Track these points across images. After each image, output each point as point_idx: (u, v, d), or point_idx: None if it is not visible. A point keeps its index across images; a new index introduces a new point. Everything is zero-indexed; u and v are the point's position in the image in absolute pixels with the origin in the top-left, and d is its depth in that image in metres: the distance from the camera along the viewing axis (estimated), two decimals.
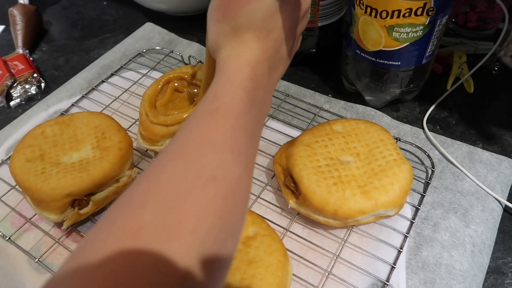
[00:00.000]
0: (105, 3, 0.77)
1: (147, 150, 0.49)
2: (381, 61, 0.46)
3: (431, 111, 0.52)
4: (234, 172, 0.23)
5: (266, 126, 0.51)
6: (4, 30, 0.71)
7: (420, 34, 0.43)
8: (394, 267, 0.38)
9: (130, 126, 0.52)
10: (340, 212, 0.37)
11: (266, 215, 0.42)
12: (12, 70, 0.60)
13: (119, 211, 0.20)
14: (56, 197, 0.39)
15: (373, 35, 0.44)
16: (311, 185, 0.39)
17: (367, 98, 0.52)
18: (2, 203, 0.45)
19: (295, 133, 0.49)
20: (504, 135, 0.49)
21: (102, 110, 0.54)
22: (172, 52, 0.62)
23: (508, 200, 0.43)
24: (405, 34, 0.43)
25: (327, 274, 0.38)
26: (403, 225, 0.41)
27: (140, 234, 0.19)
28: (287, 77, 0.58)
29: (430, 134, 0.49)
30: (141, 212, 0.20)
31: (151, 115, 0.46)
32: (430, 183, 0.44)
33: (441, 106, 0.53)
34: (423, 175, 0.45)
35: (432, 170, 0.45)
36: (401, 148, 0.46)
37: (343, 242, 0.40)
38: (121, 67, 0.60)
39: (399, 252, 0.39)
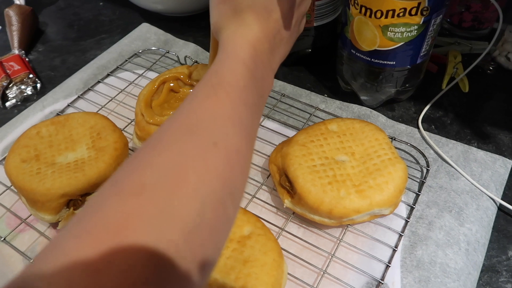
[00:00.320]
0: (101, 3, 0.77)
1: None
2: (376, 60, 0.46)
3: (426, 111, 0.52)
4: (234, 140, 0.24)
5: (261, 126, 0.51)
6: (0, 31, 0.71)
7: (415, 33, 0.43)
8: (389, 266, 0.38)
9: (126, 126, 0.52)
10: (335, 211, 0.38)
11: (261, 215, 0.42)
12: (8, 71, 0.60)
13: (123, 172, 0.21)
14: (51, 198, 0.39)
15: (368, 35, 0.44)
16: (306, 184, 0.39)
17: (363, 98, 0.53)
18: None
19: (290, 132, 0.50)
20: (498, 134, 0.50)
21: (98, 111, 0.54)
22: (168, 52, 0.62)
23: (502, 198, 0.43)
24: (399, 33, 0.43)
25: (322, 273, 0.38)
26: (398, 224, 0.41)
27: (144, 190, 0.20)
28: (282, 77, 0.58)
29: (425, 133, 0.49)
30: (144, 173, 0.21)
31: (147, 115, 0.46)
32: (425, 182, 0.44)
33: (436, 105, 0.53)
34: (418, 174, 0.45)
35: (427, 169, 0.45)
36: (396, 148, 0.46)
37: (338, 241, 0.40)
38: (117, 67, 0.60)
39: (394, 251, 0.39)
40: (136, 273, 0.17)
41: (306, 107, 0.53)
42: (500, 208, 0.43)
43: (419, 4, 0.40)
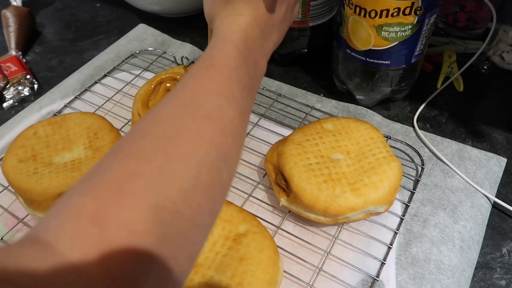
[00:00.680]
0: (98, 4, 0.77)
1: None
2: (371, 60, 0.47)
3: (422, 110, 0.53)
4: (228, 114, 0.25)
5: (258, 125, 0.51)
6: None
7: (409, 33, 0.43)
8: (384, 263, 0.38)
9: (123, 126, 0.52)
10: (330, 209, 0.38)
11: (257, 213, 0.42)
12: (5, 72, 0.60)
13: (124, 141, 0.23)
14: (48, 197, 0.39)
15: (362, 34, 0.45)
16: (301, 182, 0.39)
17: (358, 97, 0.53)
18: None
19: (286, 132, 0.50)
20: (493, 132, 0.50)
21: (95, 111, 0.54)
22: (165, 53, 0.62)
23: (496, 196, 0.43)
24: (394, 33, 0.43)
25: (318, 270, 0.38)
26: (393, 221, 0.42)
27: (143, 154, 0.21)
28: (279, 77, 0.58)
29: (420, 132, 0.49)
30: (142, 142, 0.22)
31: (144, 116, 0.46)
32: (420, 180, 0.44)
33: (431, 104, 0.54)
34: (413, 173, 0.46)
35: (422, 168, 0.45)
36: (391, 146, 0.47)
37: (334, 239, 0.40)
38: (114, 68, 0.60)
39: (389, 248, 0.39)
40: (137, 225, 0.19)
41: (302, 107, 0.53)
42: (494, 205, 0.43)
43: (412, 3, 0.41)
